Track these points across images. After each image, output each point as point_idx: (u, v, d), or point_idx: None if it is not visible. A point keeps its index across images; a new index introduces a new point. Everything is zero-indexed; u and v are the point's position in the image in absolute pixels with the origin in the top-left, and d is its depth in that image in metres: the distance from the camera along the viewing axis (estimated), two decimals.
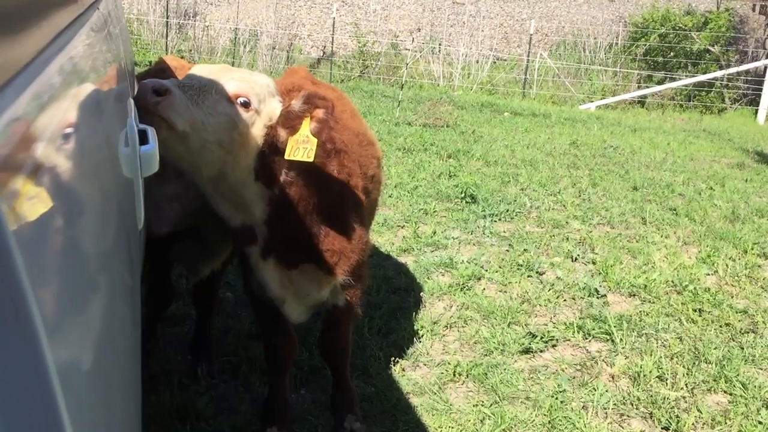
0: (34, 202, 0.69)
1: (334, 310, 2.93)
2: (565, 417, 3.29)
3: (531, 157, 8.72)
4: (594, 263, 5.21)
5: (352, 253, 2.76)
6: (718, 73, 15.18)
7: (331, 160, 2.66)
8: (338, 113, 2.96)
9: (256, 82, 2.42)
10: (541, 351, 3.91)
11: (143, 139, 1.69)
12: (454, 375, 3.58)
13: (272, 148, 2.43)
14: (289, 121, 2.39)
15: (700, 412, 3.38)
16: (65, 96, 0.95)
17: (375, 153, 3.20)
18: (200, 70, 2.39)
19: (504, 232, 5.83)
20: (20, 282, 0.58)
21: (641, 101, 15.45)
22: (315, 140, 2.36)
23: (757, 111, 14.52)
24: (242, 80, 2.37)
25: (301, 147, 2.35)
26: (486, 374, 3.60)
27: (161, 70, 3.39)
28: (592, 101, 14.86)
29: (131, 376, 1.33)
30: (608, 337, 4.07)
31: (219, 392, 3.34)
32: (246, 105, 2.33)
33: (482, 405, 3.36)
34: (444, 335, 4.02)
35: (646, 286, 4.78)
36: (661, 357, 3.85)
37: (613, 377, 3.69)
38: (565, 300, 4.58)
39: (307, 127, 2.36)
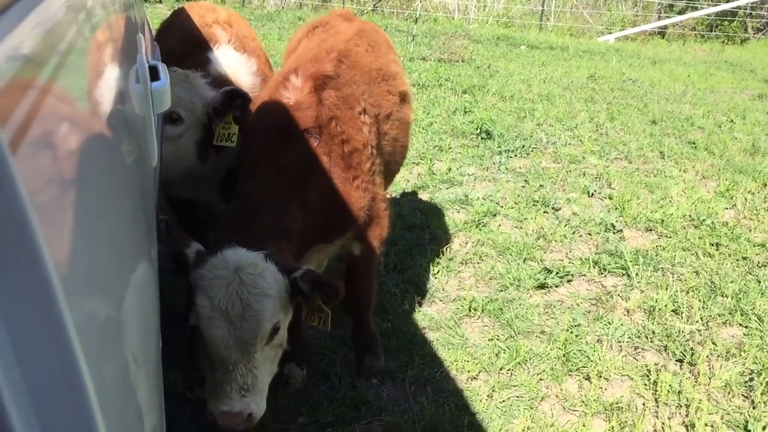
0: (39, 134, 0.67)
1: (351, 258, 2.88)
2: (579, 350, 3.32)
3: (548, 91, 8.57)
4: (611, 198, 5.17)
5: (352, 211, 2.65)
6: (741, 1, 14.70)
7: (319, 142, 2.56)
8: (352, 47, 2.88)
9: None
10: (556, 286, 3.92)
11: (154, 75, 1.66)
12: (470, 310, 3.61)
13: None
14: (303, 297, 2.31)
15: (715, 345, 3.40)
16: (69, 26, 0.92)
17: (394, 89, 3.04)
18: None
19: (520, 168, 5.77)
20: (26, 217, 0.57)
21: (662, 32, 15.05)
22: (329, 312, 2.34)
23: None
24: None
25: (317, 315, 2.37)
26: (501, 309, 3.63)
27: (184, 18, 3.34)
28: (611, 33, 14.49)
29: (150, 316, 1.33)
30: (624, 272, 4.07)
31: None
32: None
33: (498, 339, 3.39)
34: (459, 271, 4.04)
35: (663, 220, 4.75)
36: (676, 291, 3.85)
37: (628, 311, 3.70)
38: (581, 235, 4.56)
39: (318, 300, 2.32)
